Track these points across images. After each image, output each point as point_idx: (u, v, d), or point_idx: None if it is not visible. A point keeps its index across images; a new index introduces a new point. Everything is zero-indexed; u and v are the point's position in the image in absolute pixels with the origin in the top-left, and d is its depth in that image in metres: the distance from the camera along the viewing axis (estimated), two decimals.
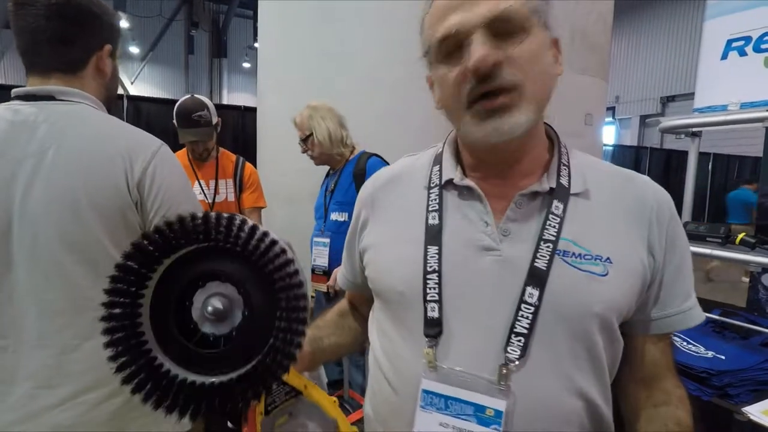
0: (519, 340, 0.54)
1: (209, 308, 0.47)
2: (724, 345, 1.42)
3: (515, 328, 0.55)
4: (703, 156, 9.07)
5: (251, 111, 5.08)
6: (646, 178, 0.65)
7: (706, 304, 1.75)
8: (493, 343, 0.55)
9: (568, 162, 0.63)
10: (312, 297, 2.01)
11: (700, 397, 1.20)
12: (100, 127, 0.86)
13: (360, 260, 0.72)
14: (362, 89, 2.56)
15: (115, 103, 1.04)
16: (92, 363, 0.84)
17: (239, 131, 5.47)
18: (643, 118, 13.74)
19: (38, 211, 0.79)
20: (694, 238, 1.64)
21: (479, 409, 0.54)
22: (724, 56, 1.79)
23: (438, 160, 0.68)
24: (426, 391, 0.56)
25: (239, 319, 0.48)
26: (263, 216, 2.36)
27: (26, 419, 0.81)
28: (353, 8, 2.56)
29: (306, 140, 1.94)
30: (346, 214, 1.91)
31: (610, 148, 9.82)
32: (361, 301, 0.81)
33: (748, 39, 1.72)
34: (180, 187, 0.92)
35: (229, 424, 0.65)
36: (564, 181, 0.61)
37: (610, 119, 14.27)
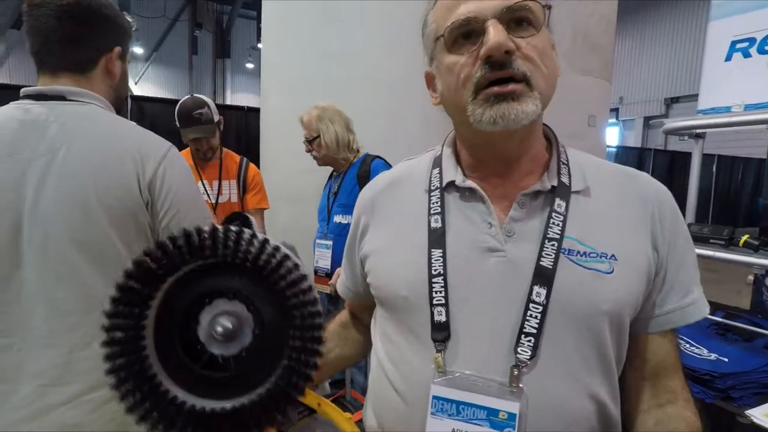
0: (529, 341, 0.54)
1: (219, 328, 0.44)
2: (728, 347, 1.42)
3: (524, 328, 0.54)
4: (707, 157, 9.03)
5: (254, 111, 5.09)
6: (646, 174, 0.65)
7: (709, 306, 1.74)
8: (502, 345, 0.55)
9: (567, 160, 0.63)
10: None
11: (703, 399, 1.20)
12: (110, 127, 0.87)
13: (361, 267, 0.71)
14: (365, 89, 2.56)
15: (123, 103, 1.05)
16: (100, 362, 0.84)
17: (242, 132, 5.48)
18: (647, 120, 13.68)
19: (49, 210, 0.80)
20: (697, 239, 1.63)
21: (492, 412, 0.53)
22: (728, 58, 1.78)
23: (437, 162, 0.68)
24: (436, 397, 0.55)
25: (249, 339, 0.45)
26: (266, 217, 2.36)
27: (33, 417, 0.81)
28: (356, 9, 2.57)
29: (312, 141, 1.93)
30: (350, 216, 1.91)
31: (614, 149, 9.79)
32: (362, 309, 0.80)
33: (752, 40, 1.71)
34: (189, 188, 0.93)
35: None
36: (565, 179, 0.61)
37: (614, 120, 14.23)
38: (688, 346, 1.43)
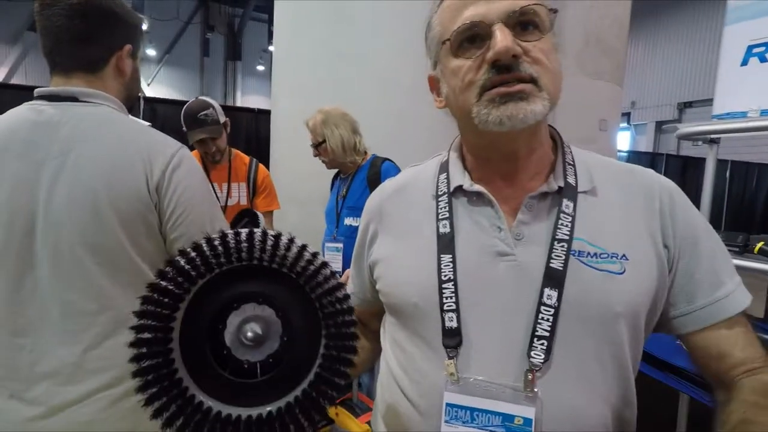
0: (542, 344, 0.53)
1: (249, 334, 0.43)
2: None
3: (536, 331, 0.54)
4: (720, 163, 8.91)
5: (265, 113, 5.13)
6: (651, 170, 0.64)
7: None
8: (515, 350, 0.54)
9: (573, 161, 0.63)
10: None
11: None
12: (121, 130, 0.87)
13: (370, 274, 0.71)
14: (376, 92, 2.57)
15: (135, 103, 1.06)
16: (112, 360, 0.85)
17: (252, 134, 5.52)
18: (659, 124, 13.53)
19: (61, 212, 0.81)
20: None
21: (507, 418, 0.52)
22: (744, 62, 1.75)
23: (444, 168, 0.67)
24: (450, 405, 0.55)
25: (277, 345, 0.44)
26: (275, 219, 2.37)
27: (46, 415, 0.82)
28: (367, 11, 2.57)
29: (318, 146, 1.94)
30: (360, 219, 1.90)
31: (625, 154, 9.69)
32: (370, 316, 0.79)
33: None
34: (199, 189, 0.92)
35: None
36: (571, 179, 0.60)
37: (625, 125, 14.09)
38: None
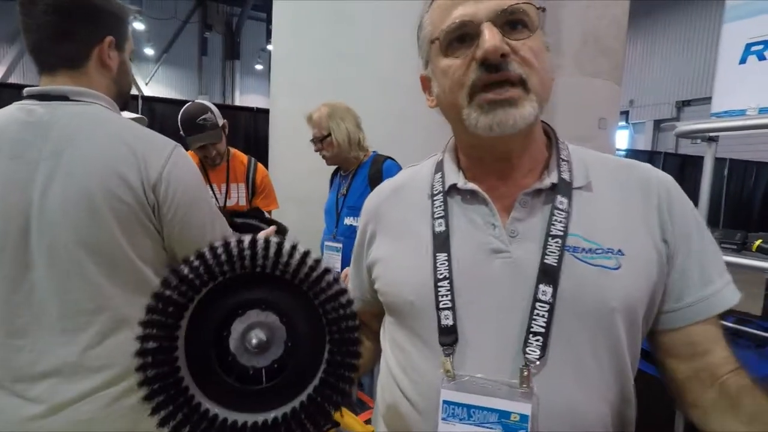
0: (537, 340, 0.53)
1: (253, 341, 0.43)
2: (739, 353, 1.39)
3: (532, 327, 0.54)
4: (718, 161, 8.93)
5: (263, 113, 5.13)
6: (648, 165, 0.63)
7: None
8: (511, 346, 0.55)
9: (568, 157, 0.63)
10: None
11: None
12: (114, 129, 0.86)
13: (368, 274, 0.71)
14: (375, 91, 2.57)
15: (129, 102, 1.04)
16: (112, 359, 0.85)
17: (251, 133, 5.51)
18: (658, 123, 13.56)
19: (56, 212, 0.80)
20: None
21: (504, 415, 0.52)
22: (743, 60, 1.76)
23: (439, 167, 0.68)
24: (447, 402, 0.55)
25: (281, 351, 0.44)
26: (273, 218, 2.37)
27: (47, 414, 0.82)
28: (366, 11, 2.57)
29: (323, 140, 1.88)
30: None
31: (623, 152, 9.71)
32: (371, 316, 0.79)
33: (767, 43, 1.69)
34: (195, 189, 0.92)
35: None
36: (566, 175, 0.60)
37: (624, 123, 14.11)
38: None
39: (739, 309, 1.88)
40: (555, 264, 0.55)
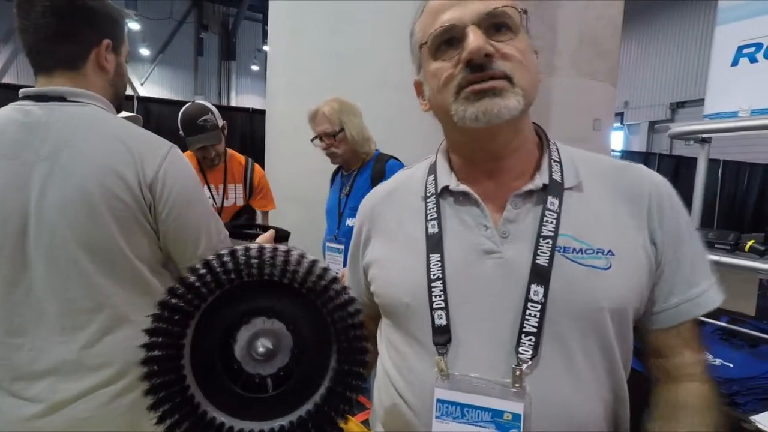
0: (529, 340, 0.54)
1: (260, 349, 0.43)
2: (732, 353, 1.41)
3: (524, 327, 0.54)
4: (712, 163, 9.00)
5: (260, 113, 5.12)
6: (641, 166, 0.64)
7: (713, 312, 1.73)
8: (503, 346, 0.55)
9: (559, 158, 0.64)
10: None
11: None
12: (111, 129, 0.86)
13: (364, 276, 0.72)
14: (371, 92, 2.57)
15: (124, 102, 1.04)
16: (111, 357, 0.86)
17: (247, 133, 5.50)
18: (652, 124, 13.64)
19: (54, 213, 0.81)
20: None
21: (497, 414, 0.53)
22: (735, 62, 1.78)
23: (432, 170, 0.69)
24: (440, 401, 0.55)
25: (287, 359, 0.44)
26: (270, 219, 2.37)
27: (45, 413, 0.82)
28: (362, 11, 2.58)
29: (335, 136, 1.80)
30: None
31: (618, 153, 9.75)
32: (368, 319, 0.79)
33: (759, 45, 1.71)
34: (191, 189, 0.92)
35: None
36: (557, 176, 0.61)
37: (619, 125, 14.19)
38: None
39: (733, 309, 1.90)
40: (546, 264, 0.56)
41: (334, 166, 2.02)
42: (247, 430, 0.43)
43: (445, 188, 0.65)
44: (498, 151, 0.62)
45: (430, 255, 0.61)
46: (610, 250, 0.57)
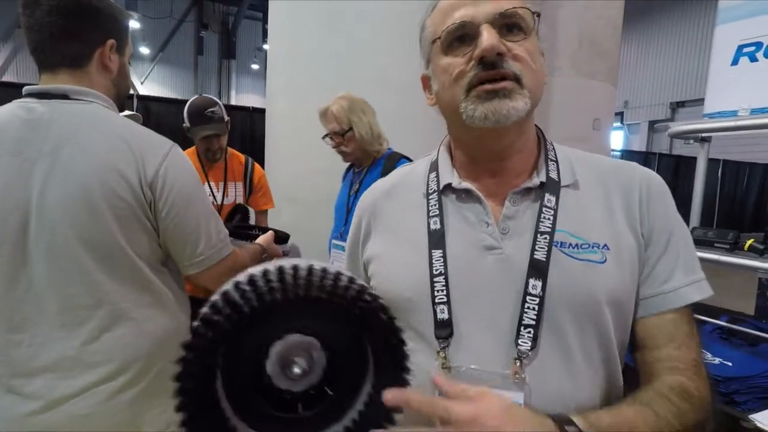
0: (528, 332, 0.56)
1: (295, 369, 0.42)
2: (732, 352, 1.41)
3: (523, 320, 0.56)
4: (712, 162, 9.00)
5: (260, 112, 5.12)
6: (633, 163, 0.66)
7: (713, 311, 1.73)
8: (503, 339, 0.57)
9: (556, 157, 0.66)
10: None
11: None
12: (112, 127, 0.87)
13: (364, 271, 0.73)
14: (371, 91, 2.56)
15: (126, 101, 1.05)
16: (110, 354, 0.86)
17: (247, 132, 5.51)
18: (652, 124, 13.65)
19: (55, 210, 0.81)
20: (702, 243, 1.63)
21: None
22: (735, 62, 1.78)
23: (434, 167, 0.70)
24: (442, 393, 0.56)
25: (319, 377, 0.43)
26: (269, 218, 2.37)
27: (44, 409, 0.83)
28: (362, 11, 2.57)
29: (344, 134, 1.77)
30: None
31: (618, 153, 9.76)
32: None
33: (759, 45, 1.71)
34: (191, 187, 0.93)
35: None
36: (553, 174, 0.63)
37: (619, 124, 14.19)
38: None
39: (733, 308, 1.90)
40: (544, 259, 0.58)
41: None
42: None
43: (448, 185, 0.66)
44: (502, 152, 0.63)
45: (433, 251, 0.62)
46: (605, 245, 0.58)
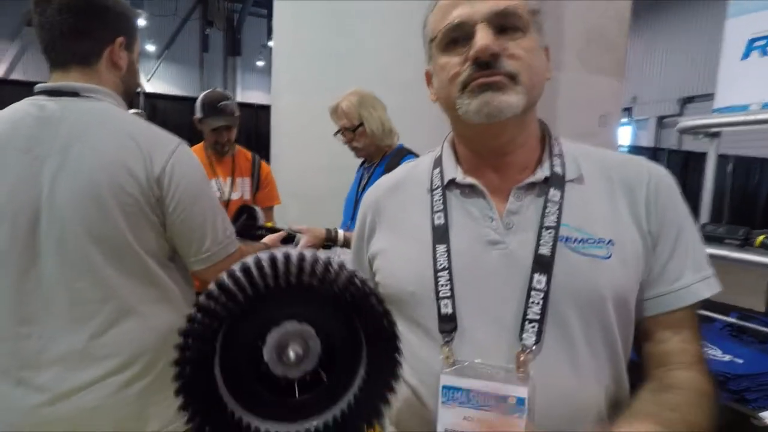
0: (533, 327, 0.56)
1: (291, 354, 0.43)
2: (742, 349, 1.40)
3: (527, 315, 0.56)
4: (723, 158, 8.90)
5: (265, 109, 5.12)
6: (641, 158, 0.66)
7: (723, 308, 1.71)
8: (508, 333, 0.57)
9: (561, 152, 0.66)
10: None
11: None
12: (121, 125, 0.88)
13: (369, 267, 0.73)
14: (376, 88, 2.55)
15: (135, 100, 1.06)
16: (117, 347, 0.87)
17: (252, 129, 5.52)
18: (661, 119, 13.51)
19: (65, 205, 0.82)
20: (711, 240, 1.61)
21: (501, 398, 0.54)
22: (746, 56, 1.75)
23: (437, 162, 0.70)
24: (446, 387, 0.57)
25: (314, 363, 0.45)
26: (275, 214, 2.38)
27: (53, 401, 0.84)
28: (367, 8, 2.57)
29: (354, 130, 1.77)
30: None
31: (626, 149, 9.68)
32: None
33: None
34: (198, 184, 0.94)
35: None
36: (558, 169, 0.63)
37: (627, 120, 14.06)
38: None
39: (743, 305, 1.88)
40: (549, 254, 0.58)
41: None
42: None
43: (452, 181, 0.66)
44: (503, 147, 0.63)
45: (437, 245, 0.62)
46: (610, 240, 0.59)
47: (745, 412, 1.13)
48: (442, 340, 0.59)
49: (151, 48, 14.30)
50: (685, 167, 9.63)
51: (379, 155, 1.85)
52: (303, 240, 1.44)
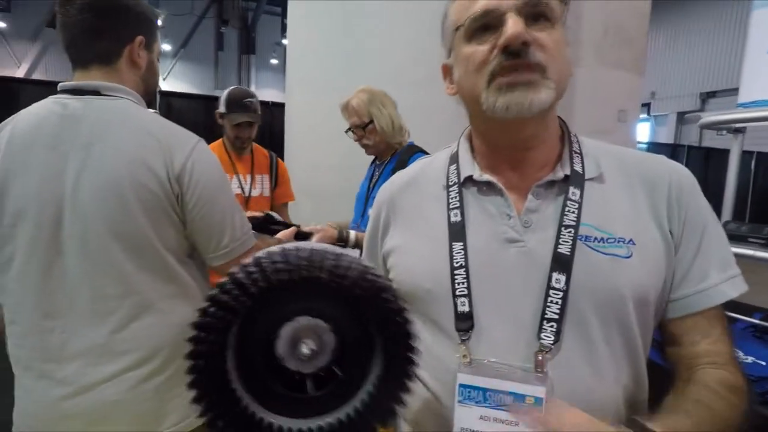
0: (551, 326, 0.55)
1: (304, 350, 0.43)
2: (765, 350, 1.36)
3: (546, 314, 0.56)
4: (745, 154, 8.65)
5: (279, 107, 5.15)
6: (662, 157, 0.65)
7: (746, 308, 1.67)
8: (525, 332, 0.56)
9: (580, 150, 0.64)
10: None
11: None
12: (142, 123, 0.90)
13: (383, 264, 0.73)
14: (389, 86, 2.54)
15: (154, 99, 1.08)
16: (137, 342, 0.89)
17: (266, 127, 5.54)
18: (681, 115, 13.19)
19: (87, 202, 0.84)
20: (734, 238, 1.57)
21: (519, 398, 0.54)
22: None
23: (454, 159, 0.69)
24: (463, 386, 0.56)
25: (328, 359, 0.44)
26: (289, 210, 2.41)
27: (74, 394, 0.86)
28: (380, 6, 2.56)
29: (365, 128, 1.78)
30: None
31: (645, 145, 9.49)
32: None
33: None
34: (217, 181, 0.95)
35: None
36: (578, 167, 0.62)
37: (645, 116, 13.78)
38: None
39: (766, 306, 1.83)
40: (568, 253, 0.57)
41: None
42: (286, 428, 0.44)
43: (468, 178, 0.65)
44: (525, 142, 0.62)
45: (453, 243, 0.62)
46: (631, 239, 0.57)
47: (767, 414, 1.10)
48: (459, 339, 0.58)
49: (166, 47, 14.51)
50: (706, 164, 9.40)
51: (389, 152, 1.85)
52: (314, 240, 1.45)
